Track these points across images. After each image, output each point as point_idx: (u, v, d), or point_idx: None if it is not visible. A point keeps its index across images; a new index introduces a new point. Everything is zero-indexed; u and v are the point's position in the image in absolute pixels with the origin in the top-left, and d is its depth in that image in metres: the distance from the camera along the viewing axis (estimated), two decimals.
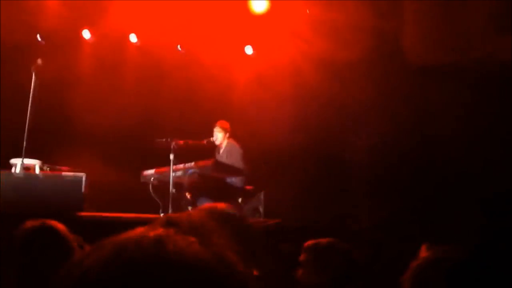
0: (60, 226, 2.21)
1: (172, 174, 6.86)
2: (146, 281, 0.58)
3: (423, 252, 1.52)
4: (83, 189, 6.02)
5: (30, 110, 6.76)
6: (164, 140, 7.11)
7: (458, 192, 7.04)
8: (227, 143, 7.69)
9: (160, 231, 0.64)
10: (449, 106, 7.50)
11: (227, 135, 7.68)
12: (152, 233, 0.64)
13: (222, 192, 7.08)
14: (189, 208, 6.85)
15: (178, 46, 9.43)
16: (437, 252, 1.49)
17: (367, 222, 7.16)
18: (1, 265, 2.04)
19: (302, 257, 3.09)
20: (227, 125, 7.72)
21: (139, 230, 0.65)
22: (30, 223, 2.18)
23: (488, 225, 6.02)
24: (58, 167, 6.96)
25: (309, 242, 3.10)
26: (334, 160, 8.58)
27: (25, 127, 6.65)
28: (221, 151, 7.71)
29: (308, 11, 8.64)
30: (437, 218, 6.63)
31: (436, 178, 7.46)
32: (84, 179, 6.08)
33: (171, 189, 6.80)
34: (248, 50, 9.37)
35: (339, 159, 8.60)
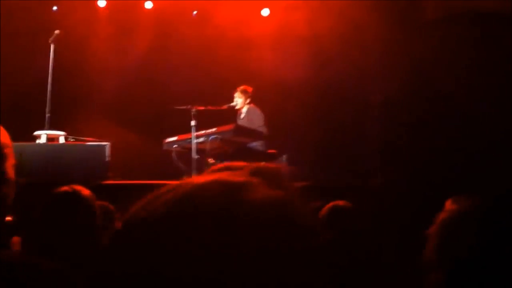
0: (86, 191, 2.26)
1: (194, 140, 6.89)
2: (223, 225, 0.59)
3: (450, 205, 1.50)
4: (107, 158, 6.09)
5: (51, 81, 6.81)
6: (184, 107, 7.13)
7: (472, 148, 6.99)
8: (248, 107, 7.68)
9: (245, 178, 0.66)
10: (461, 59, 7.38)
11: (248, 100, 7.67)
12: (237, 179, 0.65)
13: (245, 156, 7.10)
14: None
15: (194, 12, 9.34)
16: (465, 204, 1.47)
17: (384, 179, 7.16)
18: (28, 228, 2.09)
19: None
20: (247, 89, 7.69)
21: (224, 174, 0.66)
22: (59, 188, 2.23)
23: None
24: (82, 138, 7.03)
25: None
26: (351, 119, 8.55)
27: (47, 99, 6.71)
28: (242, 115, 7.72)
29: None
30: (453, 175, 6.59)
31: (450, 132, 7.40)
32: (108, 147, 6.15)
33: (194, 155, 6.85)
34: (266, 11, 9.27)
35: (356, 119, 8.58)
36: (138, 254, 0.59)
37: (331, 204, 3.28)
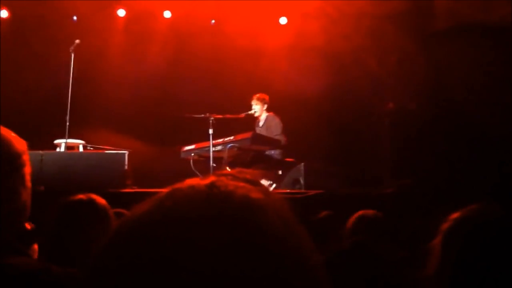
0: (101, 200, 2.28)
1: (211, 149, 6.92)
2: (198, 219, 0.60)
3: (453, 215, 1.49)
4: (125, 166, 6.13)
5: (71, 90, 6.89)
6: (202, 115, 7.17)
7: (483, 157, 6.94)
8: (267, 115, 7.68)
9: (212, 178, 0.66)
10: (473, 68, 7.33)
11: (265, 106, 7.66)
12: (204, 180, 0.66)
13: (262, 164, 7.10)
14: None
15: (212, 21, 9.40)
16: (466, 212, 1.46)
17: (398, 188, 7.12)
18: (44, 236, 2.12)
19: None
20: (265, 97, 7.69)
21: (192, 180, 0.67)
22: (74, 196, 2.26)
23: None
24: (101, 146, 7.10)
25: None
26: (366, 128, 8.52)
27: (67, 107, 6.80)
28: (261, 123, 7.71)
29: None
30: (462, 186, 6.51)
31: (460, 143, 7.34)
32: (126, 156, 6.19)
33: (211, 164, 6.87)
34: (283, 20, 9.29)
35: (370, 127, 8.54)
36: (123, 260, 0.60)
37: (360, 213, 3.20)
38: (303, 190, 6.83)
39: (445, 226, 1.46)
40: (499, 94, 7.16)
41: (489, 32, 7.27)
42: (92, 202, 2.23)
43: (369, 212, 3.21)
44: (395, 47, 8.23)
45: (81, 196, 2.25)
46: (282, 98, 8.27)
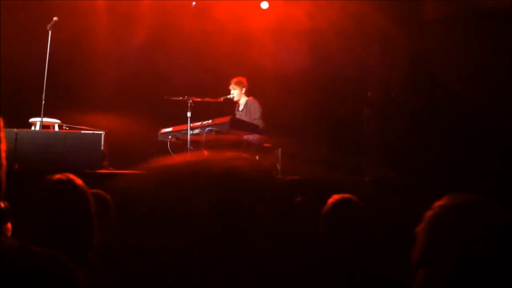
0: (79, 181, 2.27)
1: (189, 132, 6.89)
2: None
3: (437, 203, 1.52)
4: (102, 147, 6.08)
5: (48, 68, 6.78)
6: (181, 98, 7.13)
7: (468, 146, 7.04)
8: (247, 100, 7.67)
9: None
10: (460, 57, 7.41)
11: (244, 90, 7.66)
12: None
13: (239, 149, 7.10)
14: None
15: (193, 3, 9.30)
16: (450, 199, 1.49)
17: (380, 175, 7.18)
18: (21, 216, 2.10)
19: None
20: (242, 80, 7.67)
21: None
22: (52, 176, 2.24)
23: None
24: (77, 126, 7.02)
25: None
26: (349, 114, 8.56)
27: (43, 86, 6.69)
28: (241, 108, 7.71)
29: None
30: (451, 172, 6.62)
31: (445, 132, 7.43)
32: (103, 137, 6.13)
33: (189, 147, 6.85)
34: (264, 5, 9.23)
35: (353, 113, 8.59)
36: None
37: (336, 197, 3.18)
38: (279, 176, 6.86)
39: (429, 213, 1.48)
40: (489, 82, 7.24)
41: (478, 21, 7.34)
42: (71, 182, 2.21)
43: (345, 196, 3.19)
44: (381, 34, 8.26)
45: (59, 176, 2.23)
46: (264, 82, 8.25)
